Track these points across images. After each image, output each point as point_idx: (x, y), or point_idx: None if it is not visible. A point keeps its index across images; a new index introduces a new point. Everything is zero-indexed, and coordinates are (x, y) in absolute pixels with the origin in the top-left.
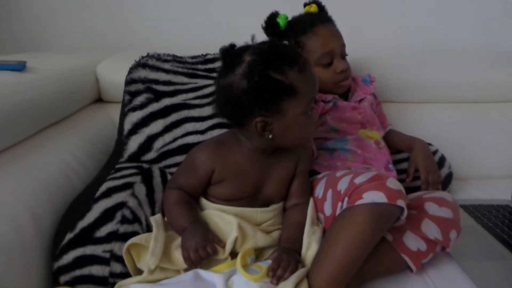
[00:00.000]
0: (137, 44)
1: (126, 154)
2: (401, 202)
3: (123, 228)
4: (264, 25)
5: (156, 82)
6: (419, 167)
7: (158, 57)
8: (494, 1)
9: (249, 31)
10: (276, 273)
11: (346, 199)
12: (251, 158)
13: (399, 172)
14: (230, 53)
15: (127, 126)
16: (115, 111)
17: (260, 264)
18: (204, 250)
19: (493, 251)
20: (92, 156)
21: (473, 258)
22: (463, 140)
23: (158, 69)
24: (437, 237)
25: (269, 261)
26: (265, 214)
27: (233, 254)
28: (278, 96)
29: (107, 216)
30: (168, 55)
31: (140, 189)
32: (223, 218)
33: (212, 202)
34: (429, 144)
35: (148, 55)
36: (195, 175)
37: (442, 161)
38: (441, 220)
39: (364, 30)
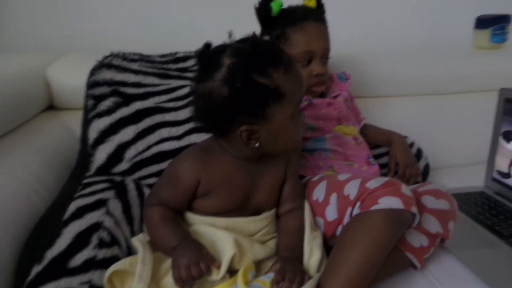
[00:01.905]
0: (88, 45)
1: (93, 167)
2: (414, 209)
3: (102, 254)
4: (257, 6)
5: (124, 84)
6: (399, 161)
7: (124, 57)
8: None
9: (212, 29)
10: (282, 286)
11: (358, 204)
12: (238, 166)
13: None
14: (207, 55)
15: (93, 134)
16: (72, 118)
17: (262, 279)
18: (197, 267)
19: (482, 238)
20: (52, 171)
21: (465, 247)
22: (432, 130)
23: (125, 69)
24: (438, 230)
25: (271, 274)
26: (258, 223)
27: (230, 271)
28: (263, 102)
29: (81, 241)
30: (135, 54)
31: (115, 206)
32: (214, 233)
33: (200, 215)
34: (405, 136)
35: (112, 54)
36: (179, 188)
37: (419, 153)
38: (439, 213)
39: (335, 26)
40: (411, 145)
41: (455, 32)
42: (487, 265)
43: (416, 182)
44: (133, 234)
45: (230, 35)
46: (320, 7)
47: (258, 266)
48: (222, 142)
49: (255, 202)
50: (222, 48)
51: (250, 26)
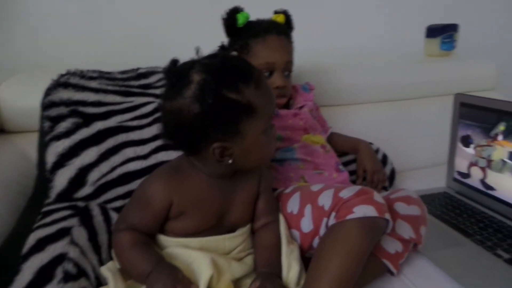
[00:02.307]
0: (36, 63)
1: (53, 193)
2: (387, 216)
3: None
4: (225, 16)
5: (83, 103)
6: (366, 168)
7: (82, 74)
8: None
9: (169, 43)
10: None
11: (333, 214)
12: (211, 184)
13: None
14: (175, 72)
15: (51, 158)
16: (25, 142)
17: None
18: None
19: (449, 237)
20: (6, 202)
21: (435, 248)
22: (394, 135)
23: (83, 88)
24: (411, 235)
25: None
26: (233, 240)
27: None
28: (235, 118)
29: (44, 276)
30: (94, 71)
31: (80, 234)
32: (189, 255)
33: (173, 237)
34: (370, 143)
35: (68, 73)
36: (150, 211)
37: (385, 158)
38: (411, 218)
39: (297, 38)
40: (377, 151)
41: (408, 41)
42: (456, 263)
43: (384, 187)
44: (101, 262)
45: (197, 50)
46: (288, 22)
47: (236, 284)
48: (194, 160)
49: (230, 219)
50: (191, 64)
51: (210, 38)
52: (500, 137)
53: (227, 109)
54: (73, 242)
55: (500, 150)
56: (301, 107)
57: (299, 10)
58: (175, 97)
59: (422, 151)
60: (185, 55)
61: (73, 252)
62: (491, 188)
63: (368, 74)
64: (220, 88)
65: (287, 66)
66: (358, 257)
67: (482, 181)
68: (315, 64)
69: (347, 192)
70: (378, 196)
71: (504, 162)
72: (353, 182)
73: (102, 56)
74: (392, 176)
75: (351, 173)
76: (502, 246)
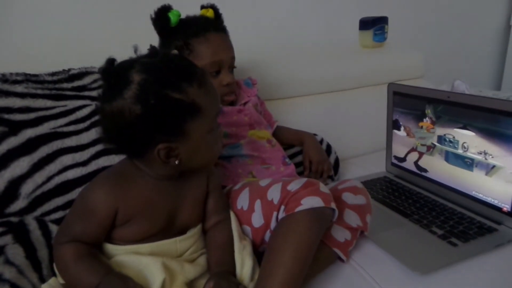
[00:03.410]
0: None
1: None
2: (333, 205)
3: None
4: (153, 16)
5: (9, 110)
6: (312, 159)
7: (5, 79)
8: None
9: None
10: None
11: (282, 207)
12: (158, 187)
13: (296, 165)
14: (113, 72)
15: None
16: None
17: None
18: None
19: (391, 219)
20: None
21: (378, 230)
22: (335, 125)
23: (7, 93)
24: (358, 223)
25: None
26: (185, 242)
27: None
28: (180, 118)
29: None
30: (18, 74)
31: (16, 252)
32: (140, 261)
33: (121, 245)
34: (315, 134)
35: None
36: (94, 221)
37: (329, 148)
38: (358, 208)
39: (234, 34)
40: (321, 141)
41: (343, 33)
42: (397, 243)
43: (329, 176)
44: (43, 280)
45: (135, 49)
46: (218, 17)
47: (191, 286)
48: (138, 163)
49: (180, 221)
50: (130, 63)
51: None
52: (428, 121)
53: (171, 109)
54: (8, 262)
55: (429, 134)
56: (245, 103)
57: (235, 4)
58: (115, 99)
59: (363, 139)
60: (117, 55)
61: (8, 273)
62: (424, 170)
63: (308, 67)
64: (162, 88)
65: (232, 62)
66: (308, 246)
67: (416, 164)
68: (255, 58)
69: (295, 185)
70: (323, 187)
71: (434, 145)
72: (300, 173)
73: (26, 57)
74: (336, 164)
75: (298, 164)
76: (436, 223)
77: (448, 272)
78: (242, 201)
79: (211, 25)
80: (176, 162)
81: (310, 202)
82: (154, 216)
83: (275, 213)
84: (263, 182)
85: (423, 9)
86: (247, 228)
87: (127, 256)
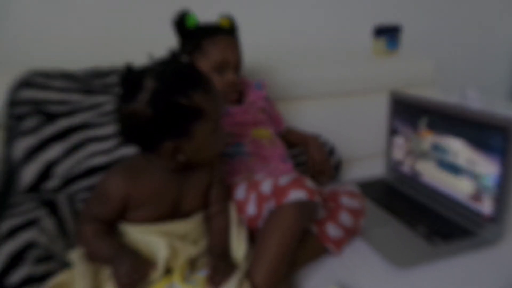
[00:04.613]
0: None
1: (21, 186)
2: (317, 198)
3: (38, 269)
4: (174, 19)
5: (47, 102)
6: (314, 159)
7: (45, 74)
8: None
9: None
10: (217, 280)
11: (273, 199)
12: (166, 178)
13: (300, 164)
14: (129, 79)
15: (18, 153)
16: None
17: (197, 275)
18: (137, 272)
19: (383, 218)
20: None
21: (369, 227)
22: (341, 127)
23: (47, 87)
24: (352, 225)
25: (205, 271)
26: (188, 225)
27: (167, 272)
28: (186, 121)
29: (14, 261)
30: (56, 70)
31: (48, 223)
32: (149, 240)
33: (133, 225)
34: (319, 135)
35: (31, 72)
36: (109, 204)
37: (332, 150)
38: (353, 211)
39: (248, 36)
40: (325, 143)
41: (357, 39)
42: (385, 241)
43: (331, 176)
44: (70, 247)
45: (151, 57)
46: (233, 27)
47: (192, 264)
48: (149, 157)
49: (184, 208)
50: (145, 71)
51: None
52: (424, 130)
53: (178, 113)
54: (42, 230)
55: (424, 140)
56: (251, 103)
57: (251, 9)
58: (130, 102)
59: (367, 142)
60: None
61: (43, 240)
62: (419, 175)
63: (319, 70)
64: (171, 95)
65: (238, 63)
66: (292, 234)
67: (412, 169)
68: (268, 61)
69: (284, 180)
70: (310, 183)
71: (428, 152)
72: (304, 172)
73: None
74: (338, 166)
75: (301, 164)
76: (422, 223)
77: (425, 268)
78: (240, 192)
79: (222, 30)
80: (182, 158)
81: (296, 195)
82: (161, 203)
83: (266, 204)
84: (259, 177)
85: (438, 16)
86: (243, 217)
87: (138, 234)
